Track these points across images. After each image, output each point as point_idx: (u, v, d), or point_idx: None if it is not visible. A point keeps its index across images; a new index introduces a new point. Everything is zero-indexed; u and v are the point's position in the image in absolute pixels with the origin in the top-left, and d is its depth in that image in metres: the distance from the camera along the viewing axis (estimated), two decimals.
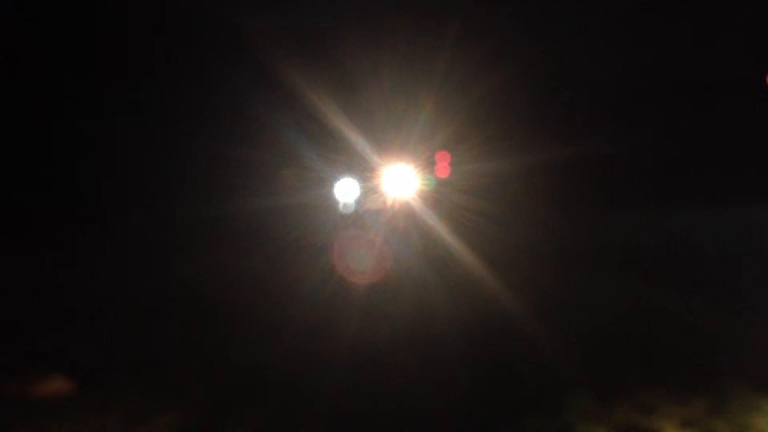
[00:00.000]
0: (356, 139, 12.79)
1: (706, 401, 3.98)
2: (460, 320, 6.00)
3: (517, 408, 4.02)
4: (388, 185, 13.46)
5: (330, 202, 13.51)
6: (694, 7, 14.89)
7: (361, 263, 10.15)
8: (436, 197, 13.78)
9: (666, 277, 7.98)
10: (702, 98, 16.54)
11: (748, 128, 16.26)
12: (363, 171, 13.30)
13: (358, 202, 13.64)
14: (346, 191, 13.48)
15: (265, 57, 12.46)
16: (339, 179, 13.42)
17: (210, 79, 13.44)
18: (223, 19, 13.02)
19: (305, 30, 13.88)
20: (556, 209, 14.86)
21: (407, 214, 13.17)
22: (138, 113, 13.15)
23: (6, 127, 12.60)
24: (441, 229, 11.97)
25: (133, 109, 13.14)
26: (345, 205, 13.23)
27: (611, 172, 15.84)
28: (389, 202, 13.45)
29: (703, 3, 14.92)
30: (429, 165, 14.30)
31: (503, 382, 4.42)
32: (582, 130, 15.88)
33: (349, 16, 13.83)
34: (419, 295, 7.22)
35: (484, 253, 9.16)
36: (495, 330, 5.63)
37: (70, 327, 5.79)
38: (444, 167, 14.72)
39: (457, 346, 5.23)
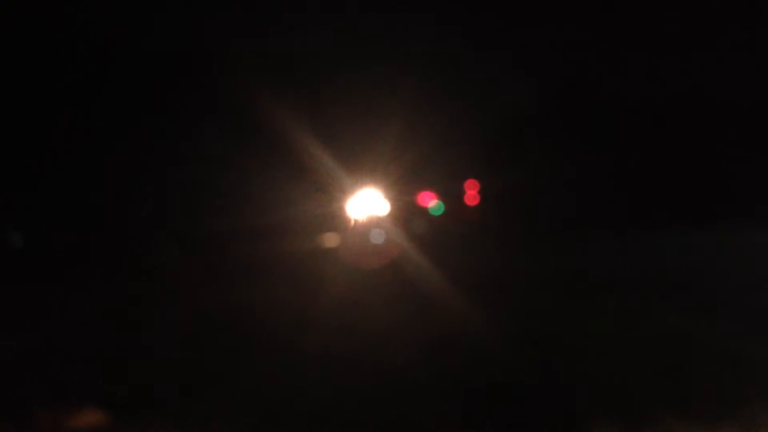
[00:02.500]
0: (336, 164, 13.33)
1: (733, 429, 4.00)
2: (473, 343, 6.06)
3: None
4: (366, 206, 14.22)
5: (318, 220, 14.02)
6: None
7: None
8: (406, 217, 14.42)
9: (684, 300, 7.98)
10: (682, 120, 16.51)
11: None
12: (341, 192, 13.78)
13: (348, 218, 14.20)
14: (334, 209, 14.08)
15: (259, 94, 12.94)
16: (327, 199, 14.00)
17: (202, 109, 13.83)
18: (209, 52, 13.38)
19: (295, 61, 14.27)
20: (531, 231, 15.10)
21: (383, 230, 13.96)
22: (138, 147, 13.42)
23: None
24: (414, 246, 12.96)
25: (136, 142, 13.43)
26: (374, 233, 13.78)
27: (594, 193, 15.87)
28: (366, 221, 14.06)
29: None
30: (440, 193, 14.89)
31: (523, 408, 4.46)
32: (556, 153, 16.00)
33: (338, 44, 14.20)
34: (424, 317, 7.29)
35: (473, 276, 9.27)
36: (513, 354, 5.67)
37: (102, 358, 5.81)
38: (473, 195, 15.02)
39: (473, 369, 5.28)
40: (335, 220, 14.65)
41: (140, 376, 5.24)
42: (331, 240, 14.29)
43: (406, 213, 14.93)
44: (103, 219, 13.63)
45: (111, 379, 5.14)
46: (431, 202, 15.24)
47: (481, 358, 5.52)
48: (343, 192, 14.38)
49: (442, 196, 15.67)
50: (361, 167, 14.26)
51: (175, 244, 13.05)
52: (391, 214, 14.67)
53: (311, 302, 8.15)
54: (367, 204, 14.61)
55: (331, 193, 14.23)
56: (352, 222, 14.58)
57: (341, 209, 14.64)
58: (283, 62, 14.37)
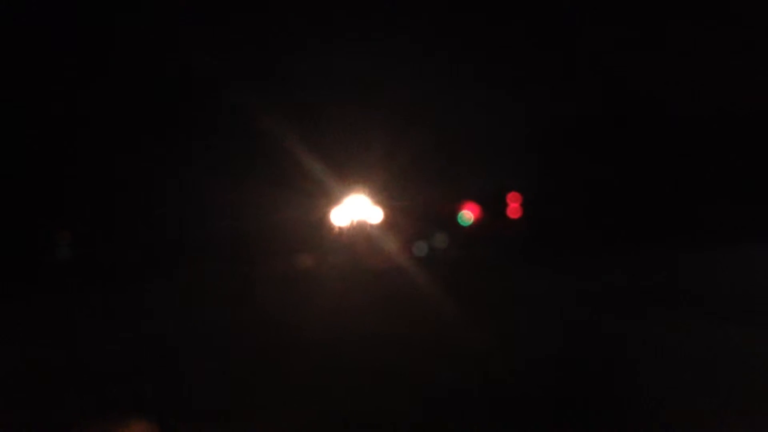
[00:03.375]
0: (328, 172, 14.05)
1: None
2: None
3: None
4: (356, 211, 15.00)
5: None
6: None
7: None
8: (394, 222, 14.61)
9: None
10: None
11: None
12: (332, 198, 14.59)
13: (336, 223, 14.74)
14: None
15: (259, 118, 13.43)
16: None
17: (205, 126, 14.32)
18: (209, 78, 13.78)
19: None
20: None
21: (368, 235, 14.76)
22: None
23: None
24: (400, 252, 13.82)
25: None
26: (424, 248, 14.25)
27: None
28: (356, 224, 14.47)
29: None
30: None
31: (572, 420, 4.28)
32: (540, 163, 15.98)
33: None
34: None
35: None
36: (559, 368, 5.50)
37: (145, 373, 5.74)
38: (515, 208, 15.19)
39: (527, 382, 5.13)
40: (338, 227, 15.15)
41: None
42: (334, 247, 14.72)
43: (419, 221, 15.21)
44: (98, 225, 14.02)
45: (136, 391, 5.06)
46: (463, 212, 15.44)
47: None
48: (339, 198, 14.92)
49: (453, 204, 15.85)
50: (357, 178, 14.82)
51: (177, 253, 13.31)
52: (385, 221, 15.20)
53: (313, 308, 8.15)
54: (364, 210, 15.21)
55: (329, 199, 14.77)
56: (350, 227, 15.08)
57: (344, 215, 15.19)
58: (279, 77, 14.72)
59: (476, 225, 15.89)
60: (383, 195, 14.99)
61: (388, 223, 15.01)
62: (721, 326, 6.73)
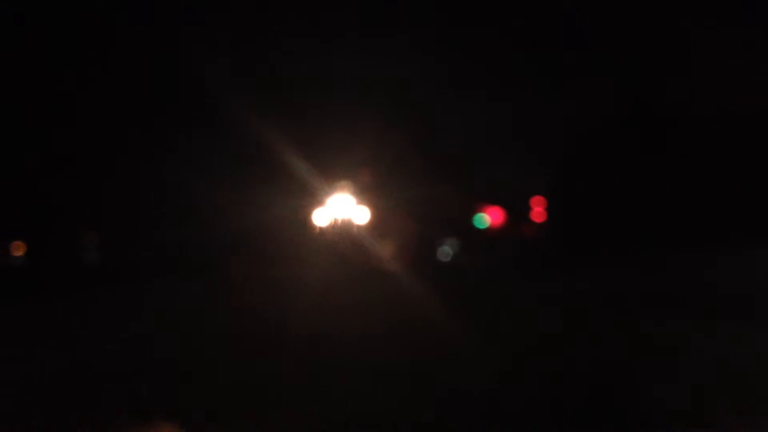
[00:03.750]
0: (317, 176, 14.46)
1: None
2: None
3: None
4: (342, 210, 15.36)
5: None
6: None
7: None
8: (380, 221, 15.04)
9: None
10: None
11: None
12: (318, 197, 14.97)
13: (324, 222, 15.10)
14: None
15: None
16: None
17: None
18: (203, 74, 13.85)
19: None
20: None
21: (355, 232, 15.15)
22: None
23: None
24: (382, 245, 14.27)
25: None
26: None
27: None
28: (341, 223, 14.95)
29: None
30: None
31: (572, 420, 4.27)
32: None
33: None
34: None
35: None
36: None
37: (145, 373, 5.72)
38: (540, 212, 15.26)
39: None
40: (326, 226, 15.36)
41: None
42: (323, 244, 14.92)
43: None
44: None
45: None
46: (478, 215, 15.64)
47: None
48: (341, 199, 15.10)
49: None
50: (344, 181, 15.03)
51: (177, 252, 13.38)
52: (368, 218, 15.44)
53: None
54: (348, 208, 15.51)
55: (315, 198, 15.00)
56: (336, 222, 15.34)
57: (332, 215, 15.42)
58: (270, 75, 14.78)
59: (486, 228, 15.94)
60: (386, 197, 15.04)
61: (390, 225, 15.07)
62: (721, 326, 6.73)
